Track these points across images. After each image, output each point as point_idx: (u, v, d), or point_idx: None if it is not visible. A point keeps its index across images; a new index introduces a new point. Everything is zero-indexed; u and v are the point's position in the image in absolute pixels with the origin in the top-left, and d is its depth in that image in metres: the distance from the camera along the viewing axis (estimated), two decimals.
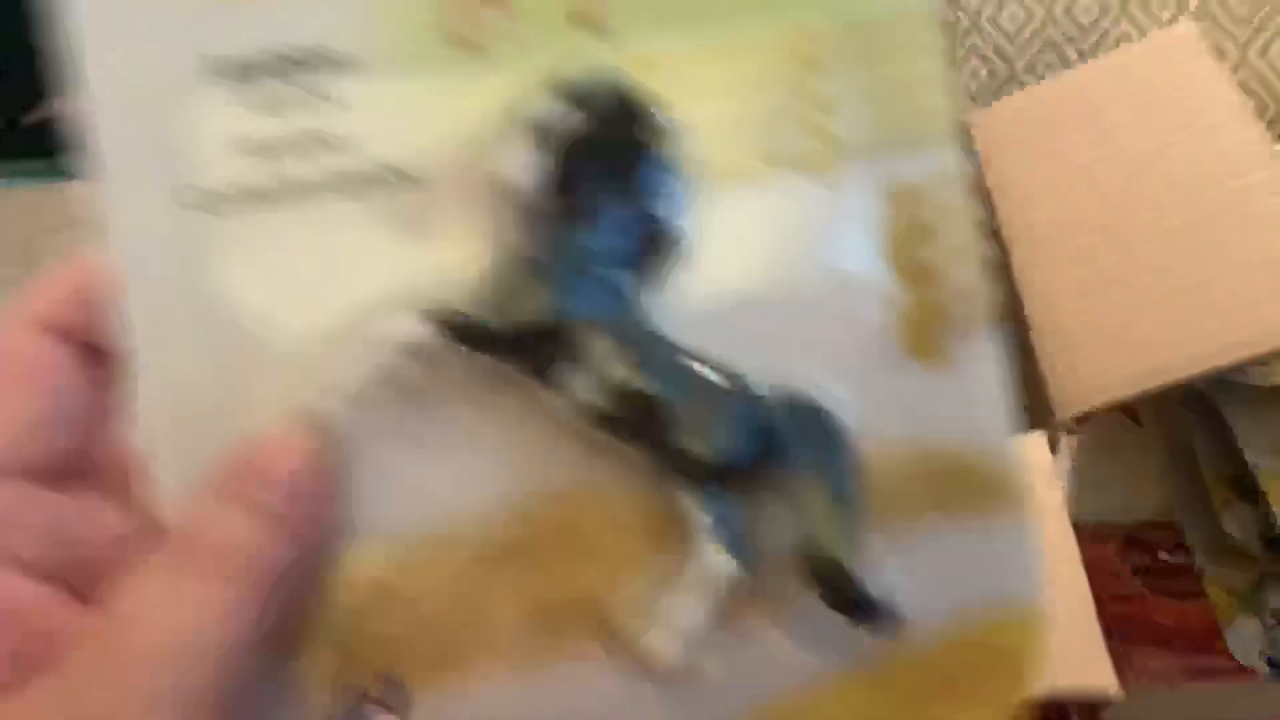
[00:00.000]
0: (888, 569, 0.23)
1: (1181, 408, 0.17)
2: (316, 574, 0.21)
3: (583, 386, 0.21)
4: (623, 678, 0.23)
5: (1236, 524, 0.30)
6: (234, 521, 0.20)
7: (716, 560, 0.21)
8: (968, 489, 0.24)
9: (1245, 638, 0.30)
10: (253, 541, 0.20)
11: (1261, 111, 0.64)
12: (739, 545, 0.21)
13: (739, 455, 0.21)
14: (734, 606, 0.22)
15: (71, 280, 0.22)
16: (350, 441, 0.22)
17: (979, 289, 0.24)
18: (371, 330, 0.21)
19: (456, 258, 0.22)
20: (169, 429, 0.21)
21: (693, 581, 0.21)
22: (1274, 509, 0.27)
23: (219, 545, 0.20)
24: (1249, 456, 0.29)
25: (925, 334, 0.24)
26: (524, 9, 0.22)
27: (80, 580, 0.21)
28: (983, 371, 0.24)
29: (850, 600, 0.22)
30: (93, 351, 0.22)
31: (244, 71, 0.21)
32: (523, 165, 0.20)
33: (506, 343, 0.21)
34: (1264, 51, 0.63)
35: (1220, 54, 0.61)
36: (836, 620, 0.23)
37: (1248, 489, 0.29)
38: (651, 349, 0.21)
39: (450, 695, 0.22)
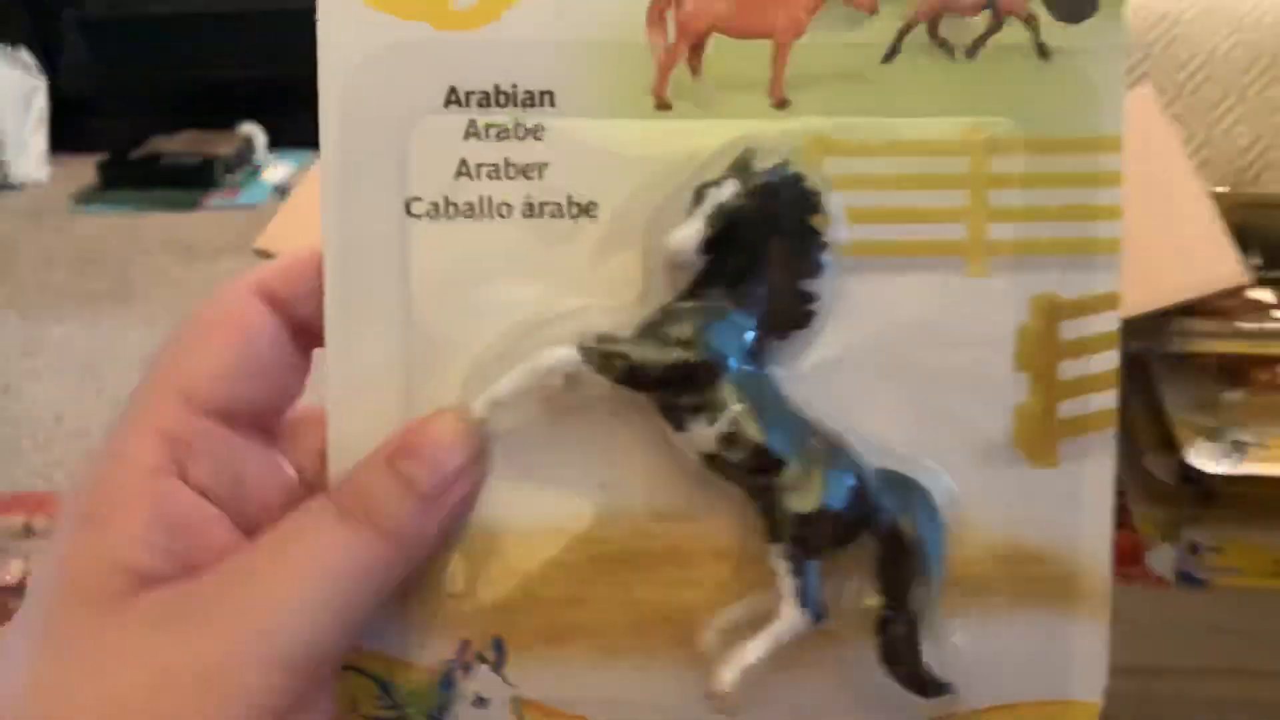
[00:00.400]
0: (955, 648, 0.25)
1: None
2: (447, 548, 0.24)
3: (703, 430, 0.23)
4: (692, 687, 0.25)
5: (1162, 470, 0.37)
6: (393, 491, 0.23)
7: (793, 615, 0.23)
8: (1052, 584, 0.25)
9: (1163, 558, 0.38)
10: (406, 513, 0.23)
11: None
12: (815, 602, 0.23)
13: (831, 513, 0.23)
14: (800, 652, 0.24)
15: (294, 262, 0.25)
16: (500, 438, 0.25)
17: (1108, 406, 0.25)
18: (533, 349, 0.24)
19: (614, 289, 0.25)
20: (351, 403, 0.25)
21: (770, 630, 0.23)
22: (1189, 458, 0.35)
23: (382, 512, 0.23)
24: (1171, 413, 0.36)
25: (1040, 434, 0.25)
26: (714, 75, 0.24)
27: (242, 517, 0.24)
28: (1089, 475, 0.25)
29: (912, 674, 0.23)
30: (297, 325, 0.25)
31: (477, 101, 0.24)
32: (692, 233, 0.23)
33: (645, 380, 0.23)
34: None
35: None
36: (894, 687, 0.24)
37: (1170, 442, 0.37)
38: (772, 406, 0.23)
39: (541, 664, 0.26)
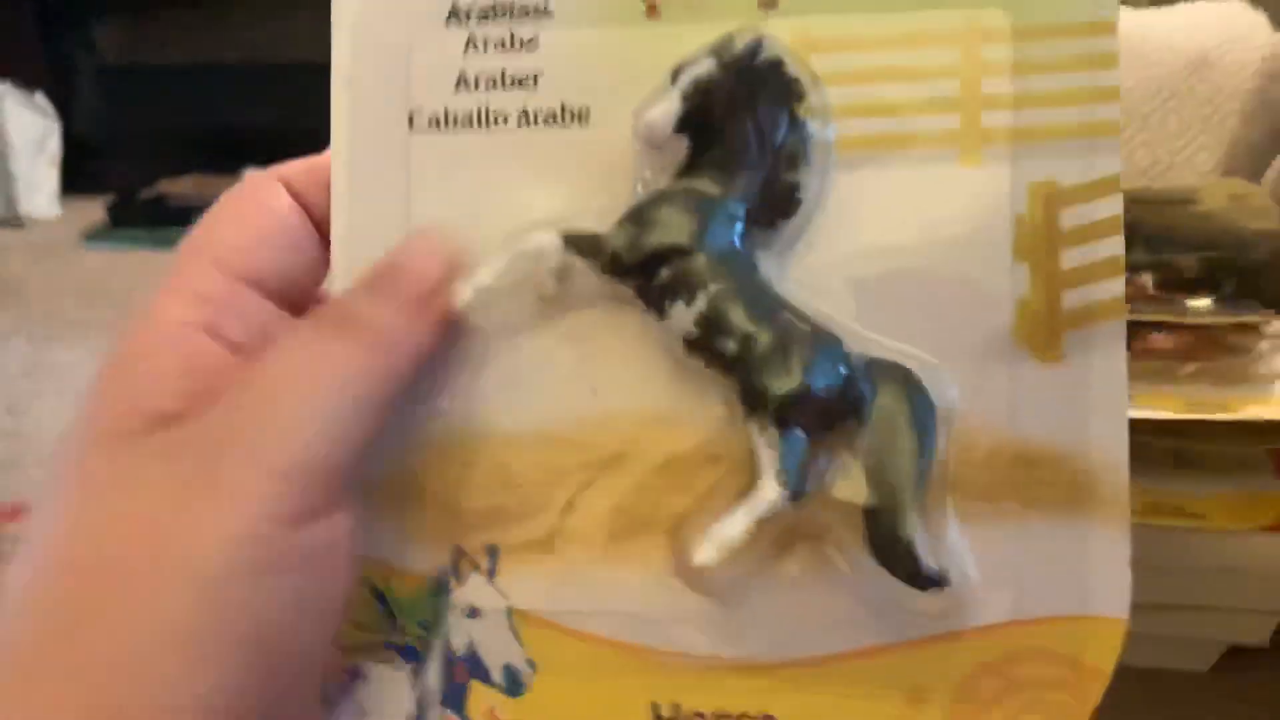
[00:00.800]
0: (959, 550, 0.23)
1: None
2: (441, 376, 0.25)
3: (685, 316, 0.23)
4: (686, 592, 0.24)
5: None
6: (377, 303, 0.24)
7: (771, 489, 0.22)
8: (1064, 489, 0.23)
9: None
10: (392, 321, 0.23)
11: None
12: (795, 478, 0.22)
13: (813, 394, 0.22)
14: (786, 551, 0.23)
15: (314, 164, 0.26)
16: (490, 340, 0.25)
17: (1114, 295, 0.23)
18: (520, 241, 0.24)
19: (608, 191, 0.25)
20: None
21: (746, 503, 0.22)
22: None
23: (363, 321, 0.23)
24: None
25: (1044, 328, 0.24)
26: None
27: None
28: (1097, 369, 0.23)
29: (903, 564, 0.22)
30: (315, 218, 0.26)
31: (477, 15, 0.25)
32: (667, 109, 0.23)
33: (627, 267, 0.23)
34: None
35: None
36: (891, 586, 0.23)
37: None
38: (755, 292, 0.23)
39: (534, 573, 0.25)
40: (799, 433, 0.22)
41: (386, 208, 0.26)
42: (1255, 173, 0.52)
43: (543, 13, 0.25)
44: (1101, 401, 0.23)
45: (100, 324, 1.64)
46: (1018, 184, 0.24)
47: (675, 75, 0.23)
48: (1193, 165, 0.52)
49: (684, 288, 0.23)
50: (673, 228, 0.23)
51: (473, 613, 0.25)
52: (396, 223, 0.26)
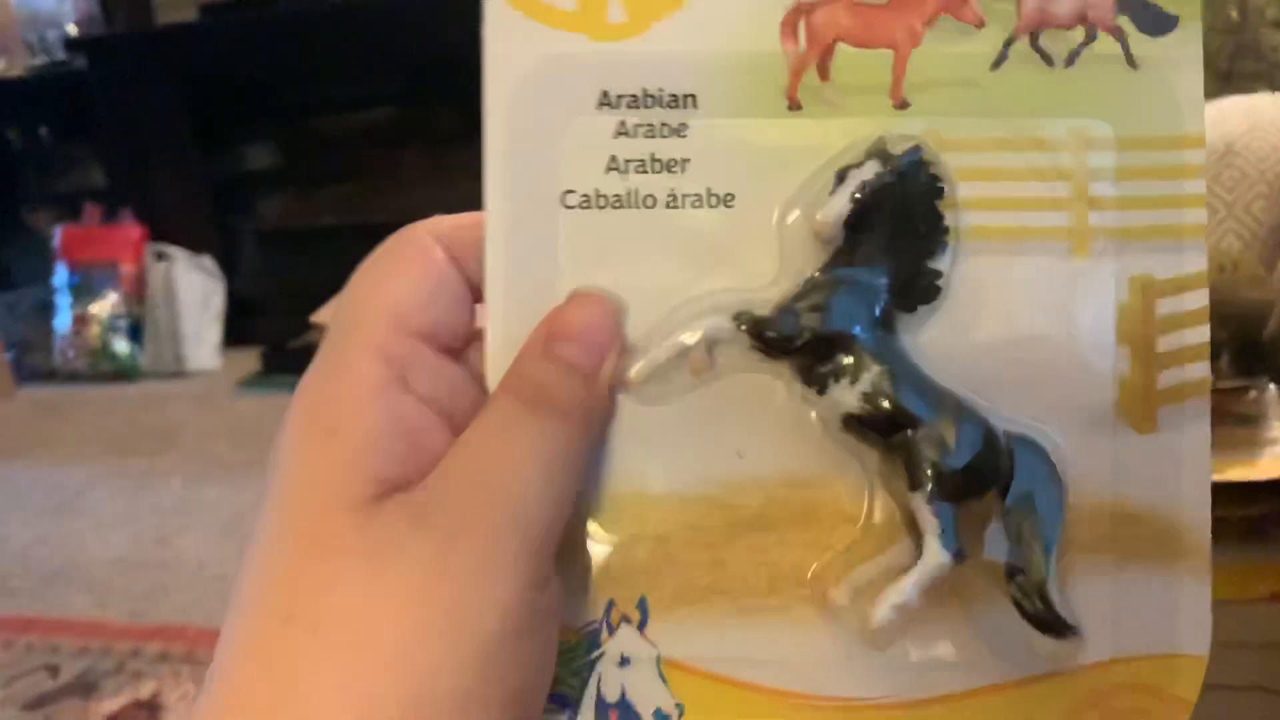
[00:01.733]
0: (1073, 599, 0.27)
1: None
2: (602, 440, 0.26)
3: (845, 392, 0.25)
4: (823, 643, 0.27)
5: None
6: (559, 373, 0.25)
7: (938, 555, 0.25)
8: (1155, 543, 0.27)
9: None
10: (577, 391, 0.25)
11: None
12: (955, 543, 0.25)
13: (971, 465, 0.25)
14: (936, 602, 0.26)
15: (464, 221, 0.27)
16: (646, 407, 0.27)
17: (1202, 375, 0.27)
18: (691, 323, 0.26)
19: (749, 273, 0.27)
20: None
21: (917, 568, 0.25)
22: None
23: (560, 395, 0.25)
24: None
25: (1141, 402, 0.27)
26: (841, 80, 0.27)
27: (456, 426, 0.26)
28: (1187, 439, 0.27)
29: (1044, 616, 0.25)
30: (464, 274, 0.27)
31: (627, 103, 0.27)
32: (840, 209, 0.25)
33: (794, 347, 0.25)
34: None
35: None
36: (1021, 632, 0.26)
37: None
38: (910, 373, 0.26)
39: (682, 624, 0.27)
40: (955, 501, 0.25)
41: (539, 278, 0.27)
42: None
43: (691, 103, 0.27)
44: (1189, 467, 0.27)
45: (248, 464, 1.79)
46: (1120, 276, 0.27)
47: (841, 176, 0.26)
48: (1221, 249, 0.57)
49: (848, 369, 0.25)
50: (843, 314, 0.25)
51: (624, 661, 0.27)
52: (548, 292, 0.27)
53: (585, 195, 0.27)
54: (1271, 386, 0.41)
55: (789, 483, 0.27)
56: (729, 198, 0.27)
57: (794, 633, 0.27)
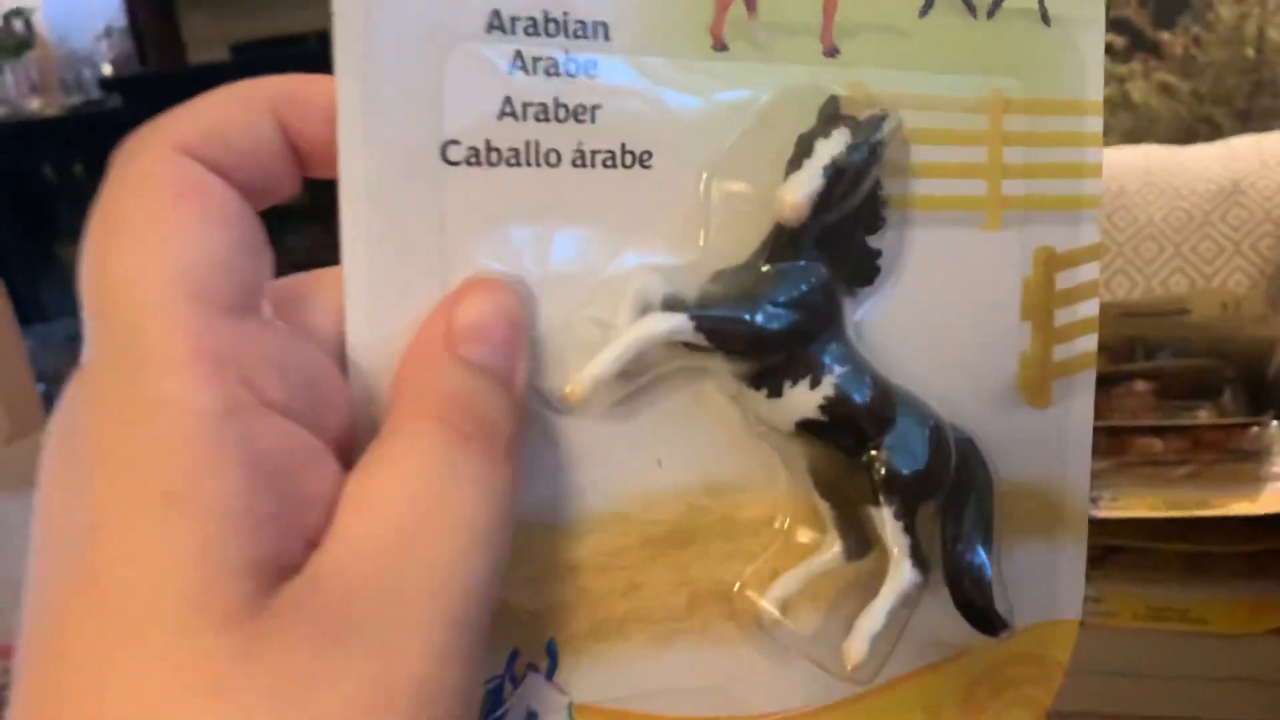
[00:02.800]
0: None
1: None
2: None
3: (803, 395, 0.22)
4: (742, 656, 0.24)
5: None
6: (487, 389, 0.19)
7: (909, 574, 0.23)
8: (1043, 515, 0.27)
9: None
10: (507, 412, 0.19)
11: None
12: (924, 558, 0.23)
13: (932, 471, 0.23)
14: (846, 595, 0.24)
15: (216, 118, 0.20)
16: (546, 427, 0.22)
17: (1090, 348, 0.27)
18: (643, 325, 0.21)
19: (673, 246, 0.23)
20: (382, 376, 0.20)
21: (888, 592, 0.23)
22: None
23: (488, 416, 0.19)
24: None
25: (1038, 377, 0.26)
26: (769, 18, 0.23)
27: (318, 426, 0.19)
28: (1075, 413, 0.27)
29: (987, 614, 0.24)
30: (244, 188, 0.20)
31: (525, 28, 0.21)
32: (809, 189, 0.21)
33: (764, 349, 0.21)
34: None
35: None
36: (930, 621, 0.25)
37: None
38: (867, 373, 0.23)
39: (595, 663, 0.23)
40: (916, 510, 0.23)
41: (414, 255, 0.21)
42: None
43: (601, 32, 0.22)
44: (1075, 440, 0.27)
45: None
46: (1026, 249, 0.26)
47: (805, 147, 0.22)
48: (1227, 287, 0.55)
49: (809, 371, 0.22)
50: (812, 311, 0.22)
51: (531, 716, 0.23)
52: (428, 274, 0.21)
53: (473, 148, 0.21)
54: (1275, 423, 0.41)
55: (709, 489, 0.24)
56: (646, 156, 0.22)
57: (714, 654, 0.24)
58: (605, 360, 0.21)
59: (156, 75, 2.17)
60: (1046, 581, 0.27)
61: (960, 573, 0.24)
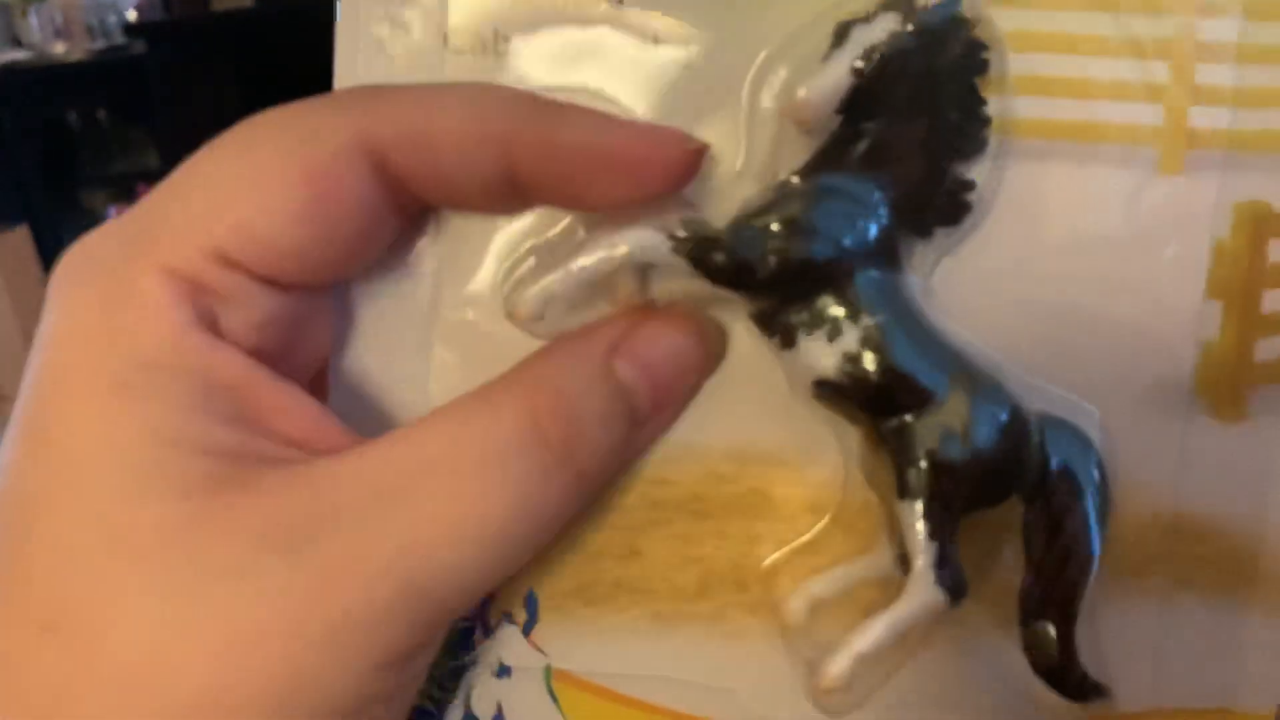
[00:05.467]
0: (1106, 633, 0.20)
1: None
2: None
3: (821, 349, 0.18)
4: (766, 666, 0.20)
5: None
6: (608, 417, 0.18)
7: (927, 592, 0.18)
8: (1223, 567, 0.20)
9: None
10: (613, 447, 0.18)
11: None
12: (955, 577, 0.18)
13: (985, 466, 0.18)
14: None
15: (418, 126, 0.18)
16: (541, 337, 0.20)
17: None
18: (610, 240, 0.18)
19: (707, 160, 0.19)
20: None
21: (896, 606, 0.18)
22: None
23: (584, 443, 0.18)
24: None
25: (1229, 380, 0.20)
26: None
27: (298, 371, 0.19)
28: None
29: (1066, 672, 0.19)
30: (402, 193, 0.18)
31: None
32: (834, 84, 0.17)
33: (752, 280, 0.18)
34: None
35: None
36: (1023, 677, 0.20)
37: None
38: (913, 329, 0.18)
39: (581, 628, 0.21)
40: (961, 516, 0.18)
41: None
42: None
43: None
44: None
45: None
46: (1222, 203, 0.19)
47: (840, 35, 0.18)
48: None
49: (828, 318, 0.18)
50: (828, 239, 0.17)
51: (503, 670, 0.21)
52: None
53: (479, 36, 0.19)
54: None
55: (737, 456, 0.20)
56: (681, 44, 0.19)
57: (729, 648, 0.21)
58: (559, 277, 0.18)
59: (181, 21, 2.10)
60: (1220, 653, 0.20)
61: (1034, 610, 0.18)
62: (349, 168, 0.17)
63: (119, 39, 2.10)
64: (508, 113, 0.18)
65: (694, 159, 0.18)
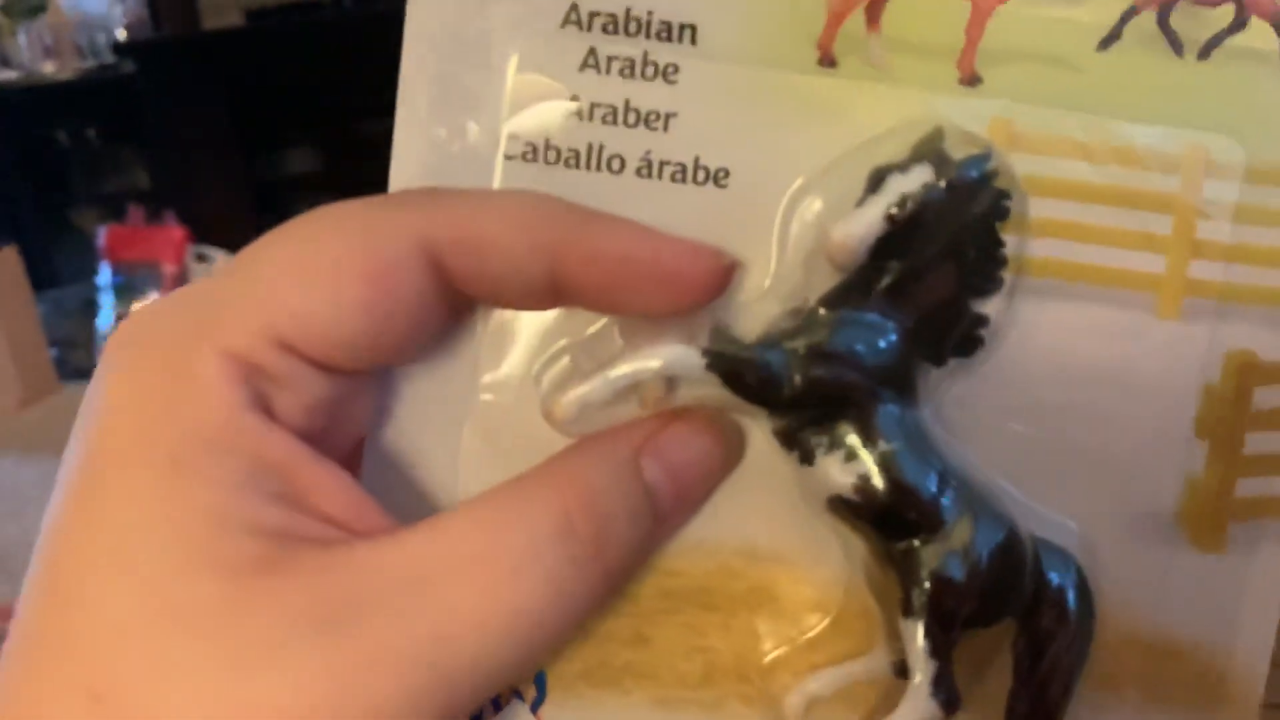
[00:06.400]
0: None
1: None
2: None
3: (837, 469, 0.19)
4: None
5: None
6: (634, 509, 0.19)
7: (923, 705, 0.19)
8: (1196, 686, 0.21)
9: None
10: (639, 539, 0.19)
11: None
12: (950, 689, 0.19)
13: (986, 588, 0.19)
14: None
15: (478, 231, 0.19)
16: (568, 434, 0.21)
17: None
18: (646, 354, 0.19)
19: (737, 278, 0.20)
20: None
21: (894, 717, 0.19)
22: None
23: (613, 536, 0.18)
24: None
25: (1211, 513, 0.21)
26: (894, 33, 0.20)
27: (334, 446, 0.20)
28: (1259, 568, 0.21)
29: None
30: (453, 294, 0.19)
31: (602, 25, 0.20)
32: (868, 228, 0.18)
33: (779, 400, 0.19)
34: None
35: None
36: None
37: None
38: (924, 455, 0.19)
39: (586, 709, 0.21)
40: (956, 630, 0.19)
41: None
42: None
43: (688, 36, 0.20)
44: (1255, 601, 0.21)
45: None
46: (1214, 350, 0.21)
47: (876, 182, 0.19)
48: None
49: (845, 441, 0.19)
50: (852, 366, 0.19)
51: None
52: None
53: (531, 145, 0.20)
54: None
55: (746, 553, 0.21)
56: (722, 174, 0.20)
57: None
58: (596, 386, 0.19)
59: (171, 40, 2.09)
60: None
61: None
62: (408, 265, 0.18)
63: (109, 58, 2.11)
64: (556, 221, 0.19)
65: (727, 274, 0.19)
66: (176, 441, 0.17)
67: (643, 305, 0.19)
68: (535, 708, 0.22)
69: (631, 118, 0.20)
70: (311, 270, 0.18)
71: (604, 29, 0.20)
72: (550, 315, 0.21)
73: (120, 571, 0.17)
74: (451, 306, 0.20)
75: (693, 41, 0.20)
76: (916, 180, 0.18)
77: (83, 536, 0.17)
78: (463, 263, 0.19)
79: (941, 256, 0.19)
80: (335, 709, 0.16)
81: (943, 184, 0.18)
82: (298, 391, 0.18)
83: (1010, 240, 0.20)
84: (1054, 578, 0.20)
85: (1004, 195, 0.19)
